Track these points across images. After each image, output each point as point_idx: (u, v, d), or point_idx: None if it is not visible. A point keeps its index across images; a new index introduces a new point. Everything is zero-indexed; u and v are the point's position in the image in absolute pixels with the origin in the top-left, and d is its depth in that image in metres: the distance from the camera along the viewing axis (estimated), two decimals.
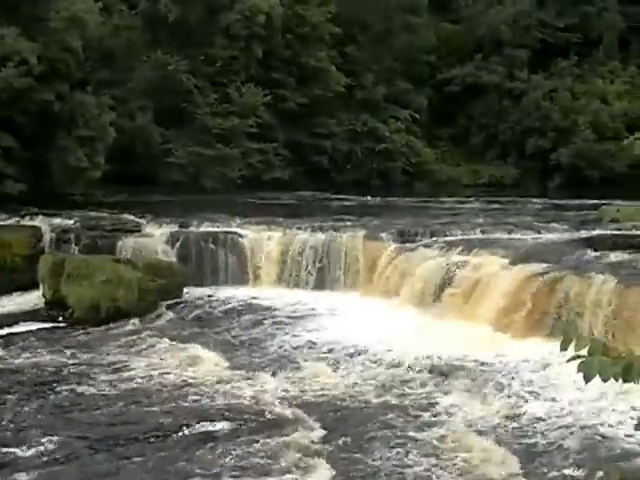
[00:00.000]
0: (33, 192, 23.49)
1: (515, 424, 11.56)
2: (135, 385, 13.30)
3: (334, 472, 10.13)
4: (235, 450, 10.70)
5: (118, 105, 27.81)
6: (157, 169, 30.45)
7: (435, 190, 34.54)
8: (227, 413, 12.01)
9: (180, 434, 11.32)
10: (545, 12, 41.96)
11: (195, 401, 12.56)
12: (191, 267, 20.05)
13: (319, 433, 11.30)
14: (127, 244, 20.18)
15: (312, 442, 10.97)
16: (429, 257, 18.41)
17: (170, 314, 18.01)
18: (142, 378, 13.60)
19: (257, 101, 34.00)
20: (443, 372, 13.78)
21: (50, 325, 17.42)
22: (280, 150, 34.72)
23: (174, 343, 15.66)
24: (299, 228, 21.12)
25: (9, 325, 17.09)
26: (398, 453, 10.61)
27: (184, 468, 10.29)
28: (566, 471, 10.18)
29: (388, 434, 11.24)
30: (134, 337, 16.22)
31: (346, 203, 29.41)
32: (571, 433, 11.16)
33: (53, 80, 24.42)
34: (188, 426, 11.52)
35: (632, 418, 11.15)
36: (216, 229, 21.34)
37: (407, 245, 19.63)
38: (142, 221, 21.88)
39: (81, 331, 16.82)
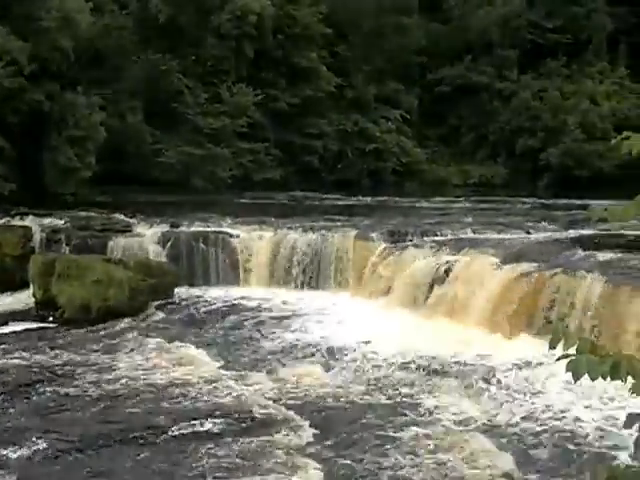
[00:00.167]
0: (23, 192, 23.43)
1: (504, 423, 11.64)
2: (125, 385, 13.29)
3: (323, 472, 10.17)
4: (224, 450, 10.72)
5: (109, 105, 27.75)
6: (148, 169, 30.37)
7: (425, 190, 34.61)
8: (216, 413, 12.03)
9: (169, 434, 11.32)
10: (534, 13, 42.09)
11: (185, 401, 12.57)
12: (182, 267, 20.07)
13: (308, 433, 11.34)
14: (118, 244, 20.18)
15: (301, 442, 11.01)
16: (419, 257, 18.48)
17: (161, 314, 18.02)
18: (132, 378, 13.60)
19: (248, 101, 33.98)
20: (432, 372, 13.85)
21: (40, 325, 17.40)
22: (271, 150, 34.71)
23: (165, 343, 15.68)
24: (290, 228, 21.17)
25: None
26: (387, 452, 10.67)
27: (172, 468, 10.30)
28: (555, 470, 10.27)
29: (377, 433, 11.30)
30: (125, 337, 16.22)
31: (337, 203, 29.45)
32: (560, 432, 11.25)
33: (43, 80, 24.39)
34: (177, 426, 11.52)
35: (621, 416, 11.25)
36: (207, 229, 21.36)
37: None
38: (133, 221, 21.88)
39: (72, 331, 16.81)
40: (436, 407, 12.20)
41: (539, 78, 41.17)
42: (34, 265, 18.84)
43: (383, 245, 19.80)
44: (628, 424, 3.29)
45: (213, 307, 18.38)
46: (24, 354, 14.93)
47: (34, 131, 24.43)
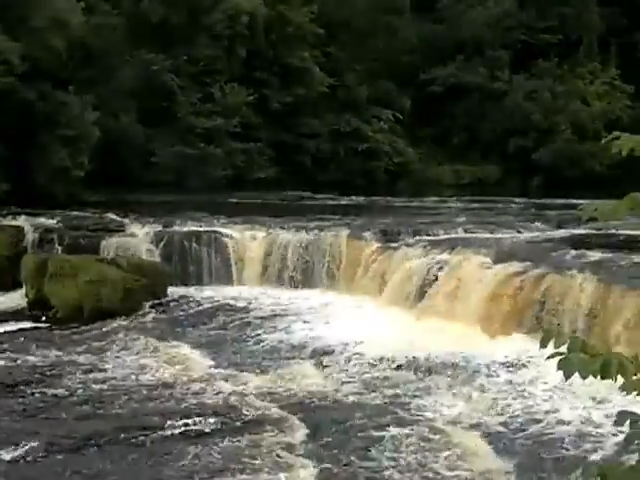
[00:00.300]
0: (15, 192, 23.37)
1: (497, 421, 11.70)
2: (116, 385, 13.27)
3: (317, 471, 10.19)
4: (215, 449, 10.73)
5: (101, 105, 27.72)
6: (141, 169, 30.38)
7: (418, 190, 34.69)
8: (208, 412, 12.03)
9: (160, 433, 11.30)
10: (526, 14, 42.25)
11: (178, 400, 12.57)
12: (175, 267, 20.08)
13: (299, 432, 11.35)
14: (111, 244, 20.16)
15: (292, 441, 11.02)
16: (412, 256, 18.55)
17: (154, 314, 18.02)
18: (123, 378, 13.59)
19: (241, 101, 34.01)
20: (424, 371, 13.90)
21: (33, 325, 17.35)
22: (264, 150, 34.75)
23: (158, 342, 15.68)
24: (283, 228, 21.20)
25: None
26: (381, 451, 10.70)
27: (165, 467, 10.28)
28: (546, 468, 10.33)
29: (368, 433, 11.33)
30: (118, 337, 16.21)
31: (329, 203, 29.49)
32: (552, 430, 11.31)
33: (35, 80, 24.35)
34: (170, 425, 11.51)
35: (612, 415, 11.33)
36: (200, 229, 21.36)
37: (390, 244, 19.76)
38: (126, 221, 21.86)
39: (64, 331, 16.77)
40: (427, 406, 12.25)
41: (531, 78, 41.35)
42: (26, 265, 18.81)
43: (375, 245, 19.85)
44: (619, 422, 3.31)
45: (206, 307, 18.39)
46: (15, 354, 14.88)
47: (26, 131, 24.38)
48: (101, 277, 17.97)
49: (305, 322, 17.08)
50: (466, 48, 41.83)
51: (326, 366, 14.30)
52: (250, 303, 18.55)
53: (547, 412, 11.90)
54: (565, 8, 41.97)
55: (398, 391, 12.98)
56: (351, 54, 39.03)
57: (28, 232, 20.46)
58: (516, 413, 11.93)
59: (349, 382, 13.45)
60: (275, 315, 17.65)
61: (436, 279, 17.38)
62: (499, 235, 20.74)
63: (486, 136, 40.59)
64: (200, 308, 18.32)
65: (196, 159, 31.82)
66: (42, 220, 21.49)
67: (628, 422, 3.29)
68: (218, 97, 33.94)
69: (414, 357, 14.41)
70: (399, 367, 14.05)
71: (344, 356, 14.73)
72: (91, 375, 13.70)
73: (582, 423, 11.44)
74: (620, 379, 3.18)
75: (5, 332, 16.68)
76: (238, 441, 10.96)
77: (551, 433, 11.21)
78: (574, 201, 26.32)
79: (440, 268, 17.52)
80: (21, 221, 21.17)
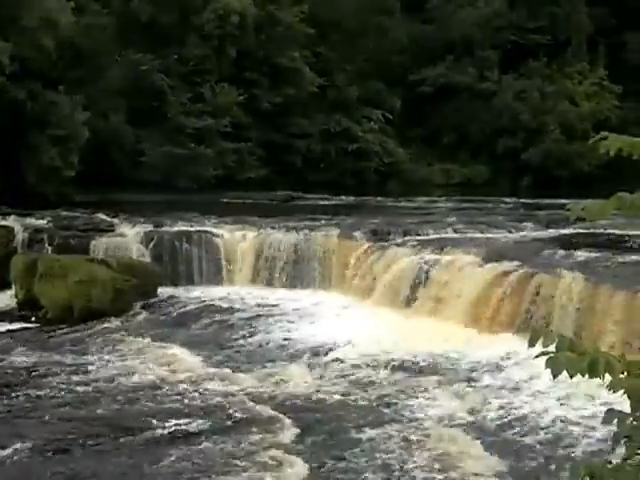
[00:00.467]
0: (5, 191, 23.28)
1: (486, 420, 11.77)
2: (105, 385, 13.26)
3: (308, 470, 10.22)
4: (208, 449, 10.75)
5: (91, 105, 27.67)
6: (131, 168, 30.33)
7: (408, 190, 34.76)
8: (200, 412, 12.05)
9: (153, 433, 11.31)
10: (515, 14, 42.38)
11: (168, 400, 12.57)
12: (165, 267, 20.06)
13: (293, 431, 11.39)
14: (101, 244, 20.13)
15: (284, 441, 11.05)
16: (402, 256, 18.61)
17: (144, 314, 18.00)
18: (113, 378, 13.57)
19: (231, 101, 33.99)
20: (414, 370, 13.96)
21: (22, 326, 17.29)
22: (254, 150, 34.74)
23: (148, 343, 15.68)
24: (273, 227, 21.22)
25: None
26: (372, 450, 10.75)
27: (156, 467, 10.28)
28: (535, 467, 10.40)
29: (361, 431, 11.37)
30: (108, 337, 16.19)
31: (320, 203, 29.53)
32: (541, 428, 11.39)
33: (25, 79, 24.29)
34: (161, 425, 11.52)
35: (600, 413, 11.42)
36: (190, 229, 21.36)
37: (380, 244, 19.82)
38: (116, 221, 21.83)
39: (54, 332, 16.74)
40: (418, 406, 12.31)
41: (520, 78, 41.49)
42: (16, 265, 18.76)
43: (366, 244, 19.91)
44: (607, 420, 3.32)
45: (196, 307, 18.38)
46: (2, 355, 14.83)
47: (16, 130, 24.31)
48: (91, 277, 17.93)
49: (295, 322, 17.11)
50: (456, 48, 41.93)
51: (315, 366, 14.33)
52: (240, 303, 18.56)
53: (536, 411, 11.97)
54: (554, 8, 42.13)
55: (387, 391, 13.03)
56: (341, 54, 39.07)
57: (18, 232, 20.40)
58: (505, 412, 12.00)
59: (338, 382, 13.48)
60: (265, 315, 17.66)
61: (426, 279, 17.45)
62: (489, 235, 20.83)
63: (476, 136, 40.70)
64: (190, 308, 18.32)
65: (186, 159, 31.79)
66: (32, 220, 21.44)
67: (616, 420, 3.30)
68: (208, 97, 33.92)
69: (403, 357, 14.46)
70: (388, 367, 14.10)
71: (334, 356, 14.77)
72: (79, 376, 13.67)
73: (571, 422, 11.52)
74: (608, 377, 3.18)
75: None
76: (226, 441, 10.98)
77: (541, 432, 11.28)
78: (563, 201, 26.41)
79: (430, 268, 17.58)
80: (11, 221, 21.11)
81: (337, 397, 12.78)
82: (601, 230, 20.24)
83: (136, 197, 27.49)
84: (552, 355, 3.21)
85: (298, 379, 13.61)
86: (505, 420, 11.73)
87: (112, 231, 20.98)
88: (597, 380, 3.21)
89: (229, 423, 11.70)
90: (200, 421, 11.67)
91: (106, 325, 17.04)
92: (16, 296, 18.54)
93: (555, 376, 3.18)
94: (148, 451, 10.78)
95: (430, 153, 41.12)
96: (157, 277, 19.43)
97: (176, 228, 21.32)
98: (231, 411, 12.08)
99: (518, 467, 10.35)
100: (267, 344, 15.70)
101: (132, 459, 10.57)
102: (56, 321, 17.36)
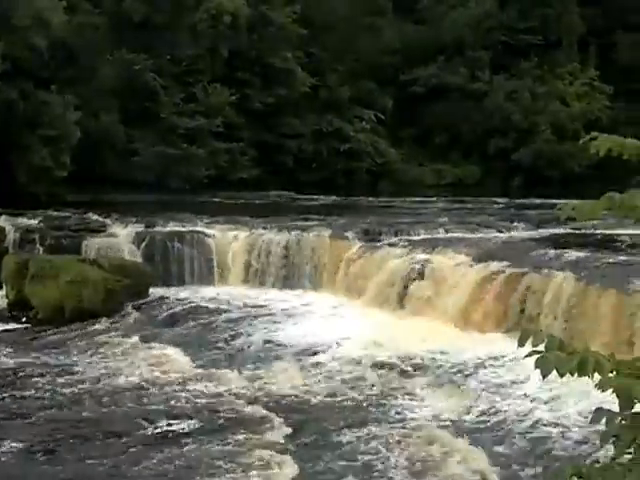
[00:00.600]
0: None
1: (476, 419, 11.83)
2: (98, 385, 13.26)
3: (299, 470, 10.26)
4: (199, 449, 10.77)
5: (83, 104, 27.59)
6: (123, 168, 30.22)
7: (399, 190, 34.79)
8: (192, 412, 12.07)
9: (141, 434, 11.33)
10: (506, 14, 42.44)
11: (157, 401, 12.58)
12: (157, 267, 20.04)
13: (284, 431, 11.43)
14: (92, 244, 20.10)
15: (277, 440, 11.09)
16: (393, 256, 18.66)
17: (136, 314, 17.99)
18: (104, 378, 13.58)
19: (223, 101, 33.94)
20: (406, 370, 14.00)
21: (12, 326, 17.28)
22: (246, 150, 34.69)
23: (140, 343, 15.68)
24: (265, 227, 21.23)
25: None
26: (360, 450, 10.79)
27: (144, 468, 10.29)
28: (524, 466, 10.44)
29: (352, 431, 11.42)
30: (99, 337, 16.19)
31: (312, 203, 29.53)
32: (530, 427, 11.44)
33: (17, 79, 24.20)
34: (152, 425, 11.54)
35: (589, 412, 11.46)
36: (182, 229, 21.34)
37: (372, 244, 19.85)
38: (107, 221, 21.79)
39: (45, 332, 16.72)
40: (409, 405, 12.36)
41: (511, 79, 41.56)
42: (7, 266, 18.71)
43: (358, 244, 19.94)
44: (595, 419, 3.30)
45: (188, 307, 18.38)
46: None
47: (7, 130, 24.22)
48: (82, 277, 17.90)
49: (286, 322, 17.14)
50: (447, 49, 41.96)
51: (307, 366, 14.36)
52: (232, 303, 18.56)
53: (526, 410, 12.03)
54: (546, 9, 42.22)
55: (376, 391, 13.06)
56: (333, 55, 39.06)
57: (9, 232, 20.36)
58: (496, 411, 12.06)
59: (328, 382, 13.51)
60: (256, 315, 17.68)
61: (417, 279, 17.49)
62: (480, 235, 20.90)
63: (467, 136, 40.75)
64: (181, 308, 18.31)
65: (178, 159, 31.72)
66: (23, 220, 21.40)
67: (604, 420, 3.33)
68: (201, 97, 33.85)
69: (394, 357, 14.50)
70: (378, 367, 14.13)
71: (326, 355, 14.80)
72: (66, 377, 13.64)
73: (561, 421, 11.57)
74: (597, 377, 3.19)
75: None
76: (216, 441, 11.00)
77: (530, 431, 11.33)
78: (554, 201, 26.55)
79: (421, 268, 17.63)
80: (2, 221, 21.05)
81: (327, 397, 12.81)
82: (591, 230, 20.34)
83: (128, 197, 27.44)
84: (541, 355, 3.23)
85: (288, 379, 13.64)
86: (494, 420, 11.79)
87: (104, 231, 20.95)
88: (587, 379, 3.23)
89: (218, 423, 11.71)
90: (189, 421, 11.68)
91: (97, 326, 17.02)
92: (7, 296, 18.51)
93: (544, 376, 3.18)
94: (136, 452, 10.78)
95: (422, 153, 41.15)
96: (149, 277, 19.41)
97: (168, 228, 21.31)
98: (221, 411, 12.10)
99: (505, 467, 10.39)
100: (258, 344, 15.72)
101: (120, 460, 10.56)
102: (47, 321, 17.33)
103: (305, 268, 20.08)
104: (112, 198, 26.99)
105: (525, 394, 12.57)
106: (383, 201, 30.78)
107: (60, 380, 13.45)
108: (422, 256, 18.17)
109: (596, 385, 3.21)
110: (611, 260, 16.73)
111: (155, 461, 10.45)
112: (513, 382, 13.10)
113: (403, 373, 13.86)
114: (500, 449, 10.86)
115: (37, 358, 14.75)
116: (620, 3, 42.33)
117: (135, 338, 15.96)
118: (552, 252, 17.66)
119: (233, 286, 19.95)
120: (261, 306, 18.40)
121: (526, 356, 3.25)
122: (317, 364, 14.43)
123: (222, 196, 29.71)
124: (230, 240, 20.69)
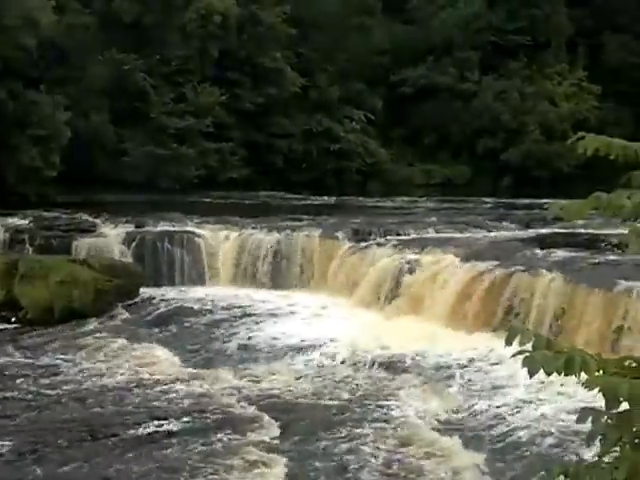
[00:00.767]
0: None
1: (466, 418, 11.89)
2: (85, 386, 13.24)
3: (290, 469, 10.29)
4: (187, 449, 10.78)
5: (73, 104, 27.52)
6: (113, 168, 30.17)
7: (389, 190, 34.86)
8: (182, 412, 12.08)
9: (132, 433, 11.33)
10: (495, 15, 42.58)
11: (150, 400, 12.59)
12: (147, 267, 20.04)
13: (275, 430, 11.46)
14: (82, 244, 20.07)
15: (268, 439, 11.12)
16: (383, 256, 18.71)
17: (126, 314, 17.98)
18: (93, 378, 13.56)
19: (213, 101, 33.90)
20: (395, 369, 14.06)
21: (2, 326, 17.23)
22: (236, 150, 34.68)
23: (130, 343, 15.67)
24: (255, 228, 21.25)
25: None
26: (350, 449, 10.82)
27: (133, 468, 10.29)
28: (514, 465, 10.51)
29: (343, 430, 11.45)
30: (89, 338, 16.16)
31: (302, 203, 29.55)
32: (519, 428, 11.49)
33: (6, 78, 24.13)
34: (142, 425, 11.53)
35: (576, 411, 11.53)
36: (172, 229, 21.34)
37: (361, 244, 19.91)
38: (97, 221, 21.76)
39: (35, 332, 16.68)
40: (398, 404, 12.40)
41: (500, 79, 41.69)
42: None
43: (347, 244, 20.00)
44: (582, 419, 3.34)
45: (178, 307, 18.37)
46: None
47: None
48: (72, 278, 17.88)
49: (276, 322, 17.16)
50: (436, 49, 42.06)
51: (296, 365, 14.40)
52: (223, 303, 18.57)
53: (515, 409, 12.10)
54: (534, 10, 42.37)
55: (366, 390, 13.11)
56: (323, 55, 39.08)
57: None
58: (484, 410, 12.12)
59: (318, 381, 13.55)
60: (246, 315, 17.70)
61: (406, 278, 17.56)
62: (469, 235, 20.99)
63: (456, 136, 40.85)
64: (171, 308, 18.30)
65: (168, 159, 31.68)
66: (13, 220, 21.33)
67: (590, 418, 3.34)
68: (191, 97, 33.81)
69: (383, 356, 14.56)
70: (368, 366, 14.19)
71: (316, 355, 14.84)
72: (56, 377, 13.62)
73: (553, 419, 11.64)
74: (583, 375, 3.22)
75: None
76: (206, 441, 11.02)
77: (519, 430, 11.39)
78: (543, 201, 26.68)
79: (410, 267, 17.70)
80: None
81: (319, 396, 12.86)
82: (579, 230, 20.45)
83: (118, 197, 27.39)
84: (529, 354, 3.27)
85: (278, 378, 13.68)
86: (484, 418, 11.85)
87: (94, 231, 20.92)
88: (574, 378, 3.25)
89: (206, 423, 11.73)
90: (177, 421, 11.69)
91: (87, 326, 17.00)
92: None
93: (531, 374, 3.21)
94: (123, 453, 10.77)
95: (411, 153, 41.23)
96: (139, 277, 19.40)
97: (158, 228, 21.30)
98: (209, 411, 12.11)
99: (498, 466, 10.46)
100: (248, 344, 15.74)
101: (107, 461, 10.55)
102: (36, 322, 17.29)
103: (295, 268, 20.12)
104: (102, 198, 26.95)
105: (514, 393, 12.64)
106: (373, 201, 30.85)
107: (46, 381, 13.42)
108: (411, 256, 18.24)
109: (583, 384, 3.24)
110: (599, 260, 16.84)
111: (143, 461, 10.45)
112: (502, 381, 13.16)
113: (392, 372, 13.91)
114: (490, 448, 10.92)
115: (24, 358, 14.72)
116: (608, 4, 42.55)
117: (124, 338, 15.95)
118: (540, 252, 17.76)
119: (223, 286, 19.96)
120: (251, 306, 18.41)
121: (513, 355, 3.29)
122: (306, 363, 14.48)
123: (212, 196, 29.70)
124: (220, 240, 20.71)
